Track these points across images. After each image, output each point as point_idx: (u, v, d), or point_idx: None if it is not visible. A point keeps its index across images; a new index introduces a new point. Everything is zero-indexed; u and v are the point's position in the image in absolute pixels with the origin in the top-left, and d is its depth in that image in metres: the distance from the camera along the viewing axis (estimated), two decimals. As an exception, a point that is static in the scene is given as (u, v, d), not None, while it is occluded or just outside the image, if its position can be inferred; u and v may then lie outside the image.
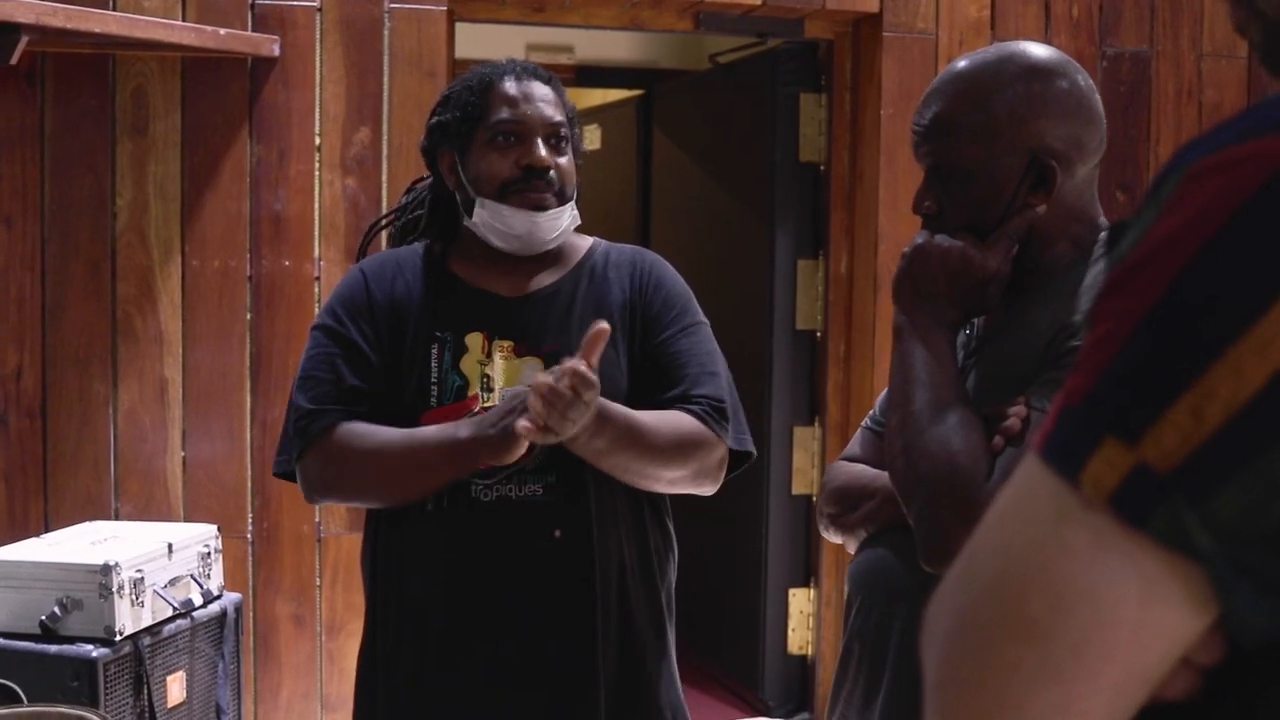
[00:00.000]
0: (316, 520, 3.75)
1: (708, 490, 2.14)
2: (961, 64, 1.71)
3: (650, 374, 2.12)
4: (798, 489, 4.58)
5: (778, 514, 4.59)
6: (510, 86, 2.13)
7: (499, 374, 2.10)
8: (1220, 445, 0.65)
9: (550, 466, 2.06)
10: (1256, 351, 0.65)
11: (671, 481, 2.09)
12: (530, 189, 2.10)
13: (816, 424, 4.53)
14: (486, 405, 2.08)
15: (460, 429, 2.01)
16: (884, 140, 4.14)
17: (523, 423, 1.90)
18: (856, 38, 4.31)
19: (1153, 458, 0.67)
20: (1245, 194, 0.67)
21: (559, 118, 2.13)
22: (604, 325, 1.92)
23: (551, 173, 2.11)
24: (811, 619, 4.57)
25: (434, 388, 2.09)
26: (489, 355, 2.10)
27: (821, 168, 4.47)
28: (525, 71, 2.16)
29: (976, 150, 1.66)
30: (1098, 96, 1.70)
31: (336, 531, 3.74)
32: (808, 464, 4.56)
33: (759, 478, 4.60)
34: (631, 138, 5.68)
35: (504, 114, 2.11)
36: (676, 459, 2.05)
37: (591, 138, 5.88)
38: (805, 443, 4.55)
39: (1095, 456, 0.68)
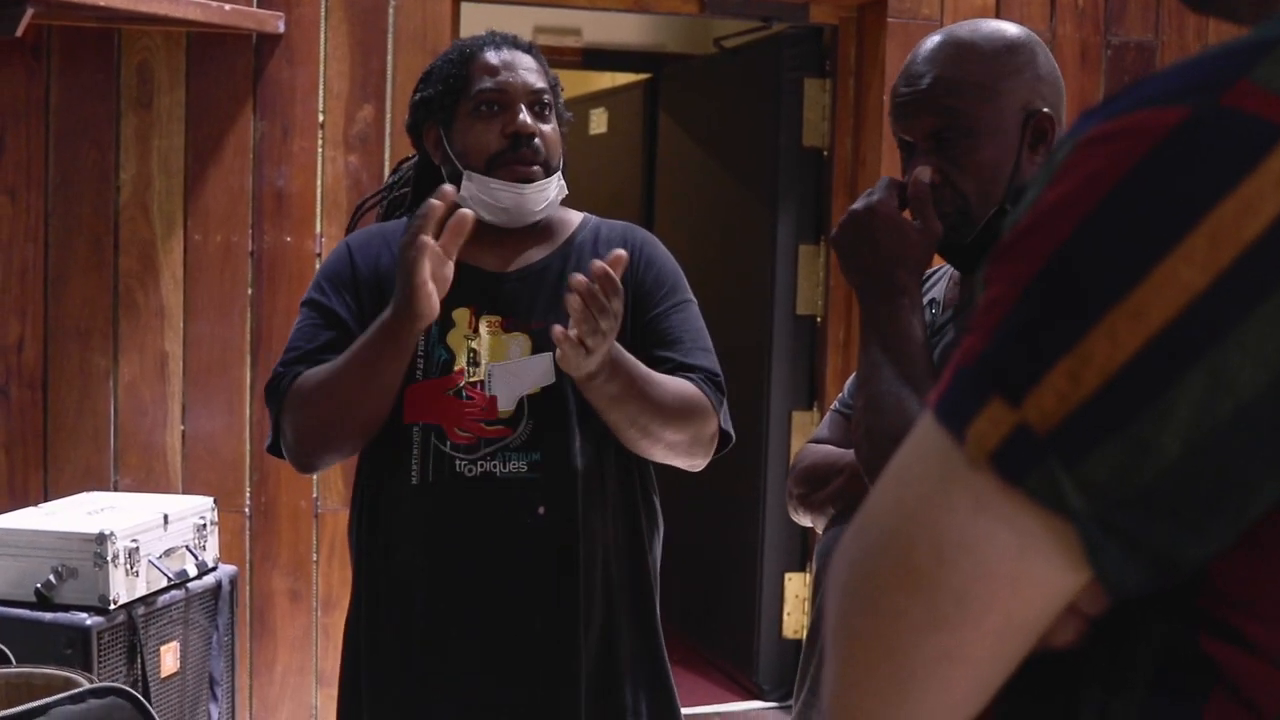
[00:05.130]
0: (314, 495, 3.77)
1: (698, 463, 2.15)
2: (939, 37, 1.73)
3: (643, 349, 2.11)
4: (796, 473, 4.59)
5: (774, 498, 4.60)
6: (491, 56, 2.12)
7: (485, 348, 2.09)
8: (1094, 408, 0.68)
9: (535, 444, 2.07)
10: (1132, 318, 0.67)
11: (671, 445, 2.08)
12: (517, 159, 2.09)
13: (815, 409, 4.54)
14: (472, 380, 2.09)
15: (384, 312, 2.00)
16: (886, 126, 4.12)
17: (558, 328, 1.90)
18: (861, 23, 4.31)
19: (1033, 418, 0.69)
20: (1128, 164, 0.69)
21: (541, 85, 2.13)
22: (620, 252, 1.93)
23: (537, 140, 2.10)
24: (806, 603, 4.58)
25: (420, 361, 2.08)
26: (476, 330, 2.10)
27: (824, 153, 4.48)
28: (505, 41, 2.16)
29: (983, 108, 1.67)
30: (1057, 71, 1.76)
31: (334, 507, 3.76)
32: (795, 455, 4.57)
33: (757, 462, 4.61)
34: (638, 122, 5.68)
35: (486, 83, 2.10)
36: (679, 420, 2.05)
37: (598, 121, 5.88)
38: (804, 427, 4.56)
39: (981, 415, 0.71)
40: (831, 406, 1.98)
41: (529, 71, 2.13)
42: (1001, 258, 0.74)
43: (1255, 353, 0.66)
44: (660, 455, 2.12)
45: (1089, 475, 0.68)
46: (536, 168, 2.10)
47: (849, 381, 1.96)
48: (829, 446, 1.90)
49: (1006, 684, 0.76)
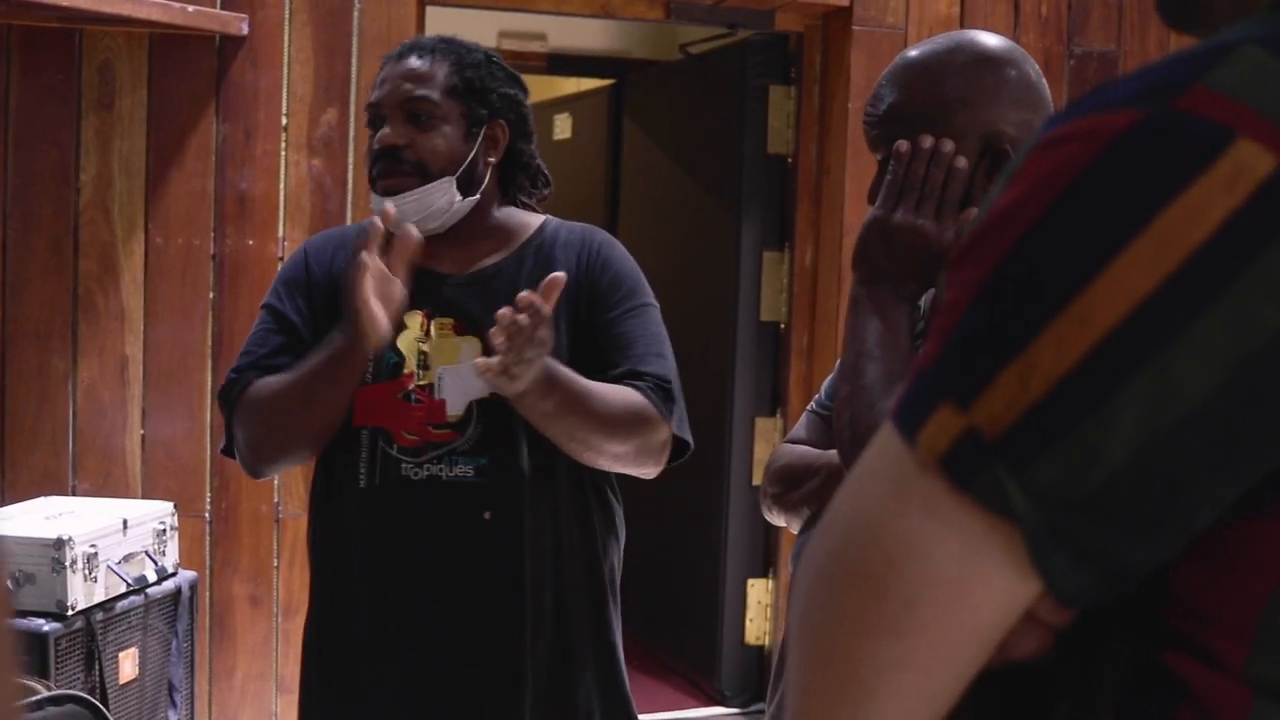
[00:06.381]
0: (275, 501, 3.74)
1: (649, 471, 2.13)
2: (913, 53, 1.71)
3: (595, 354, 2.09)
4: (759, 479, 4.59)
5: (738, 504, 4.61)
6: (387, 68, 2.12)
7: (436, 351, 2.08)
8: (1042, 413, 0.68)
9: (482, 449, 2.05)
10: (1079, 323, 0.67)
11: (616, 456, 2.07)
12: (381, 171, 2.08)
13: (778, 415, 4.55)
14: (421, 383, 2.08)
15: (334, 331, 2.01)
16: (851, 133, 4.15)
17: (482, 360, 1.89)
18: (826, 31, 4.33)
19: (982, 422, 0.69)
20: (1079, 168, 0.69)
21: (420, 92, 2.08)
22: (560, 274, 1.93)
23: (403, 151, 2.07)
24: (769, 609, 4.59)
25: (369, 365, 2.07)
26: (428, 334, 2.09)
27: (789, 160, 4.49)
28: (412, 48, 2.13)
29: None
30: (1046, 84, 1.71)
31: (295, 512, 3.73)
32: (768, 455, 4.57)
33: (719, 468, 4.62)
34: (603, 127, 5.68)
35: (372, 98, 2.12)
36: (622, 431, 2.03)
37: (563, 127, 5.88)
38: (767, 434, 4.56)
39: (932, 420, 0.71)
40: (808, 407, 1.97)
41: (411, 79, 2.09)
42: (957, 262, 0.74)
43: (1202, 358, 0.66)
44: (606, 465, 2.10)
45: (1035, 480, 0.68)
46: (402, 178, 2.07)
47: (825, 383, 1.96)
48: (805, 447, 1.89)
49: (981, 698, 0.75)
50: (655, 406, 2.05)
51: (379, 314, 1.94)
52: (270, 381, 2.06)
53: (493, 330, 1.87)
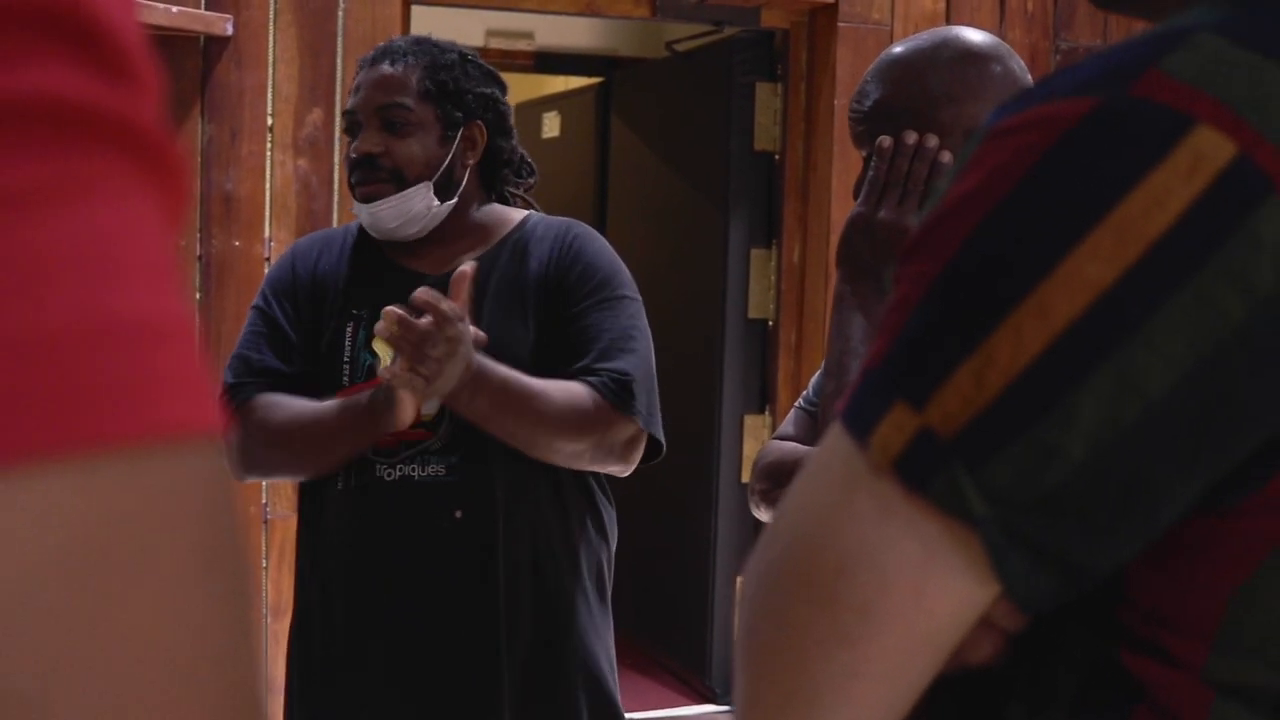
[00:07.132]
0: (263, 501, 3.73)
1: (617, 470, 2.10)
2: (898, 49, 1.72)
3: (562, 347, 2.06)
4: (747, 477, 4.58)
5: (727, 501, 4.61)
6: (361, 75, 2.12)
7: None
8: (999, 411, 0.65)
9: (455, 446, 2.04)
10: (1036, 317, 0.65)
11: (571, 455, 2.04)
12: (357, 179, 2.08)
13: (767, 412, 4.55)
14: None
15: (364, 395, 2.00)
16: (838, 130, 4.15)
17: (386, 366, 1.89)
18: (812, 27, 4.33)
19: (936, 422, 0.66)
20: (1034, 157, 0.67)
21: (393, 99, 2.07)
22: (466, 267, 1.94)
23: (378, 158, 2.07)
24: (760, 607, 4.59)
25: (346, 366, 2.07)
26: None
27: (776, 157, 4.49)
28: (384, 53, 2.12)
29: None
30: (1031, 80, 1.71)
31: (283, 513, 3.73)
32: (757, 452, 4.57)
33: (708, 465, 4.61)
34: (591, 125, 5.67)
35: (348, 103, 2.13)
36: (568, 430, 2.00)
37: (551, 125, 5.87)
38: (755, 431, 4.56)
39: (884, 420, 0.68)
40: (796, 404, 1.97)
41: (382, 87, 2.08)
42: (908, 256, 0.71)
43: (1163, 351, 0.63)
44: (565, 463, 2.07)
45: (992, 481, 0.65)
46: (379, 185, 2.07)
47: (813, 379, 1.96)
48: (794, 444, 1.89)
49: (933, 704, 0.73)
50: (610, 403, 2.02)
51: (415, 406, 1.96)
52: (281, 408, 2.05)
53: (378, 326, 1.87)
